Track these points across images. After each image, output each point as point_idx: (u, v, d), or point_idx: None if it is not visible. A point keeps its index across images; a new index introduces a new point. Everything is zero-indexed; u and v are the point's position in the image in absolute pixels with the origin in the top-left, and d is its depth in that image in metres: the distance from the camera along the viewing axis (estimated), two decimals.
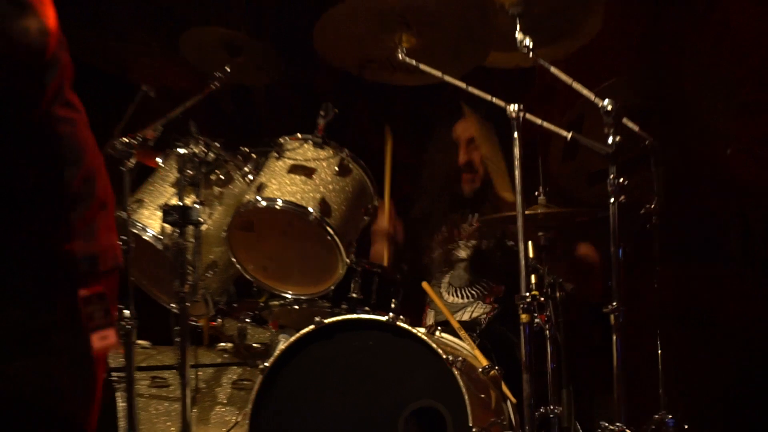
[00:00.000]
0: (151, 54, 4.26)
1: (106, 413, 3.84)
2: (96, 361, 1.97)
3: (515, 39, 3.72)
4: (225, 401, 4.10)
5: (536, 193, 3.94)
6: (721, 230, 4.82)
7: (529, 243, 3.65)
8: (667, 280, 3.81)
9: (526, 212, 3.49)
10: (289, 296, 3.98)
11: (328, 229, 3.74)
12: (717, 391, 4.76)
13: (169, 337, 3.82)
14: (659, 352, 3.76)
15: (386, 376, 3.64)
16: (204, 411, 4.07)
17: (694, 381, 4.62)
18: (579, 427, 3.89)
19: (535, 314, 3.53)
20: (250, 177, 3.93)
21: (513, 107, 3.50)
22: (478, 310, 4.54)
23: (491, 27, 3.91)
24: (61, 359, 1.91)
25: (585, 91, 3.58)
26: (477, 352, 3.85)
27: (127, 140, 3.81)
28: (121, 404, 3.86)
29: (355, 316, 3.73)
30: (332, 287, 3.90)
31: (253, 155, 3.98)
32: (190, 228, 3.72)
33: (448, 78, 3.78)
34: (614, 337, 3.47)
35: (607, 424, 3.50)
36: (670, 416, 3.67)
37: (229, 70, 4.08)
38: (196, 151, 3.81)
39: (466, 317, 4.52)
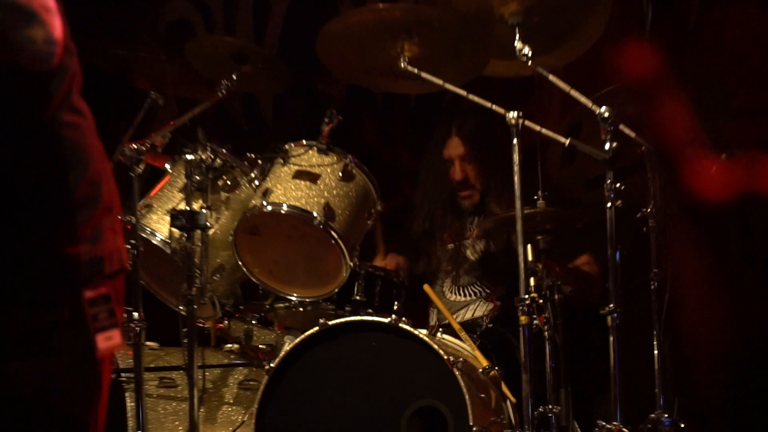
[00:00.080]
0: (160, 62, 4.25)
1: (115, 413, 3.83)
2: (101, 362, 1.96)
3: (515, 48, 3.72)
4: (231, 401, 4.09)
5: (535, 196, 3.93)
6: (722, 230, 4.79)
7: (528, 246, 3.65)
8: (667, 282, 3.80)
9: (526, 211, 3.50)
10: (294, 299, 3.97)
11: (332, 233, 3.74)
12: (717, 390, 4.74)
13: (177, 338, 3.82)
14: (655, 352, 3.74)
15: (389, 376, 3.64)
16: (211, 410, 4.06)
17: (693, 380, 4.61)
18: (577, 425, 3.88)
19: (534, 316, 3.53)
20: (256, 182, 3.93)
21: (512, 114, 3.50)
22: (480, 309, 4.52)
23: (491, 36, 3.91)
24: (62, 359, 1.89)
25: (582, 99, 3.58)
26: (477, 353, 3.84)
27: (136, 146, 3.82)
28: (129, 404, 3.85)
29: (358, 318, 3.72)
30: (336, 290, 3.89)
31: (259, 161, 3.97)
32: (198, 232, 3.71)
33: (449, 86, 3.78)
34: (611, 338, 3.47)
35: (604, 423, 3.50)
36: (666, 415, 3.66)
37: (235, 78, 4.08)
38: (204, 157, 3.81)
39: (468, 315, 4.51)
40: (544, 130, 3.60)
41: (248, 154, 3.99)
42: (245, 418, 4.01)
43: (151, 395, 3.98)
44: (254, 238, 3.90)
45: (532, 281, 3.64)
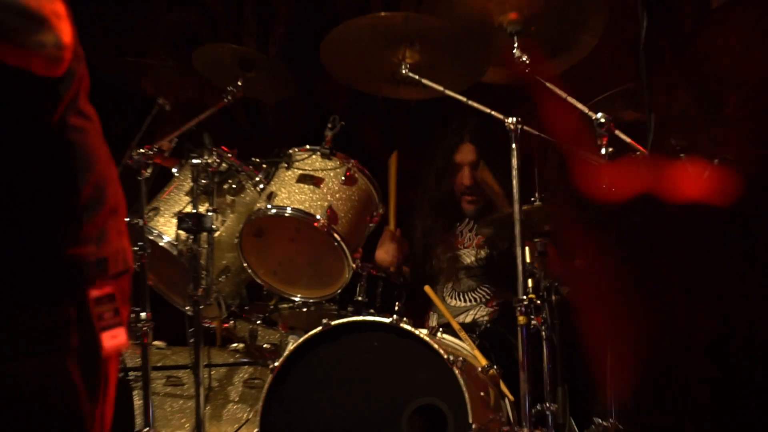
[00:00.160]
0: (168, 69, 4.25)
1: (123, 411, 3.82)
2: (107, 360, 1.95)
3: (513, 56, 3.72)
4: (237, 399, 4.08)
5: (533, 198, 3.92)
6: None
7: (527, 248, 3.64)
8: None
9: (524, 207, 3.50)
10: (297, 299, 3.97)
11: (335, 235, 3.73)
12: (715, 390, 4.73)
13: (183, 338, 3.81)
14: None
15: (390, 375, 3.62)
16: (217, 408, 4.05)
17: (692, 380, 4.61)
18: (573, 423, 3.86)
19: (532, 316, 3.52)
20: (261, 186, 3.92)
21: (511, 120, 3.50)
22: (480, 313, 4.51)
23: (490, 44, 3.91)
24: (68, 358, 1.88)
25: (579, 105, 3.57)
26: (477, 353, 3.83)
27: (144, 151, 3.81)
28: (137, 402, 3.84)
29: (360, 318, 3.71)
30: (339, 291, 3.88)
31: (264, 165, 3.97)
32: (204, 235, 3.72)
33: (449, 92, 3.77)
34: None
35: (600, 420, 3.49)
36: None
37: (241, 84, 4.07)
38: (210, 161, 3.81)
39: (468, 320, 4.50)
40: (542, 135, 3.60)
41: (253, 159, 3.99)
42: (250, 416, 4.00)
43: (158, 393, 3.98)
44: (259, 240, 3.90)
45: (530, 282, 3.63)
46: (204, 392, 3.67)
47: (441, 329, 3.84)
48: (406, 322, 3.60)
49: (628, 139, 3.62)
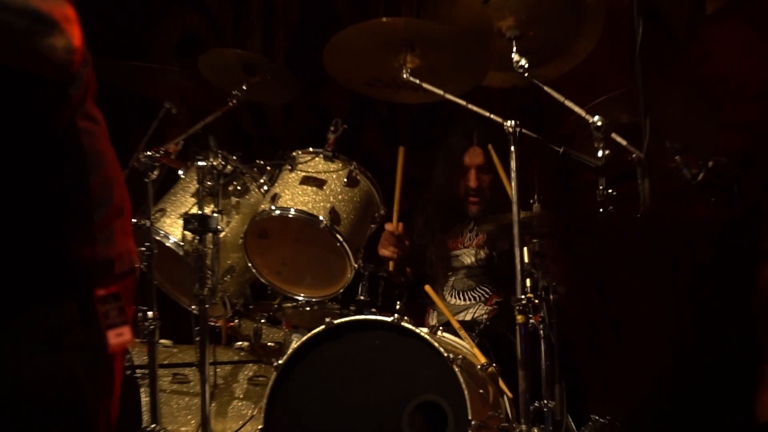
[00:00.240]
0: (174, 74, 4.24)
1: (130, 408, 3.82)
2: (113, 357, 1.95)
3: (512, 60, 3.72)
4: (241, 396, 4.08)
5: (531, 201, 3.92)
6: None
7: (525, 249, 3.64)
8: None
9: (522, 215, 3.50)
10: (301, 299, 3.96)
11: (338, 236, 3.73)
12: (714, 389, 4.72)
13: (189, 336, 3.81)
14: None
15: (391, 372, 3.62)
16: (222, 405, 4.05)
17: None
18: (570, 420, 3.86)
19: (530, 315, 3.52)
20: (265, 188, 3.92)
21: (510, 123, 3.50)
22: (479, 312, 4.51)
23: (489, 49, 3.91)
24: (75, 355, 1.88)
25: (576, 108, 3.57)
26: (476, 351, 3.83)
27: (151, 153, 3.81)
28: (144, 399, 3.84)
29: (362, 317, 3.71)
30: (341, 290, 3.88)
31: (268, 167, 3.96)
32: (209, 235, 3.72)
33: (449, 96, 3.76)
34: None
35: (597, 417, 3.49)
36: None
37: (245, 88, 4.07)
38: (215, 163, 3.80)
39: (468, 318, 4.50)
40: (540, 138, 3.60)
41: (257, 161, 3.98)
42: (255, 413, 4.00)
43: (164, 390, 3.97)
44: (263, 241, 3.89)
45: (528, 282, 3.63)
46: (209, 389, 3.66)
47: (441, 328, 3.84)
48: (407, 321, 3.60)
49: (624, 143, 3.62)
